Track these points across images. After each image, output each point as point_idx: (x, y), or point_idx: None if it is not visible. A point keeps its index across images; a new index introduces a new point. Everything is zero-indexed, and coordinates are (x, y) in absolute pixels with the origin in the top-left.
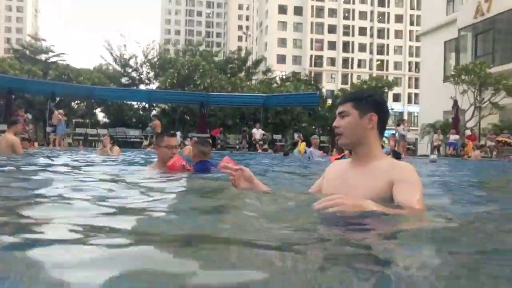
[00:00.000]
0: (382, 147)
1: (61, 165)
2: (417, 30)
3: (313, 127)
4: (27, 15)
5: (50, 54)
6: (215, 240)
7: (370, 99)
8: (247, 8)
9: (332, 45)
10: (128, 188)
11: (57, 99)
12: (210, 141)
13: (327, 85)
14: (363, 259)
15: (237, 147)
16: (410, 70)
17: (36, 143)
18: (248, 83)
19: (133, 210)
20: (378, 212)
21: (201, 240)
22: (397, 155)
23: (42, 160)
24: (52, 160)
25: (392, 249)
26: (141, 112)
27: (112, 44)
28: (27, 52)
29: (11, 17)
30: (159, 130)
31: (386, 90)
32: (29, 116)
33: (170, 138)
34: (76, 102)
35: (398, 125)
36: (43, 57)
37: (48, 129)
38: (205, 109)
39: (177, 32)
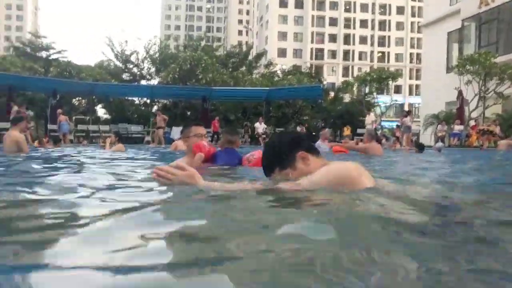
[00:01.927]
0: (387, 138)
1: (73, 162)
2: (418, 22)
3: (316, 120)
4: (27, 13)
5: (51, 51)
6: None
7: (286, 149)
8: (248, 3)
9: (333, 38)
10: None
11: (58, 96)
12: (237, 131)
13: (328, 78)
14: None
15: (240, 141)
16: (411, 61)
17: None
18: (249, 77)
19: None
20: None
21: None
22: (420, 147)
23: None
24: (63, 158)
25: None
26: (143, 108)
27: (114, 40)
28: (28, 49)
29: (11, 15)
30: (163, 124)
31: (390, 82)
32: (31, 113)
33: (197, 127)
34: (77, 98)
35: (405, 116)
36: (43, 54)
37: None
38: (207, 103)
39: (177, 28)
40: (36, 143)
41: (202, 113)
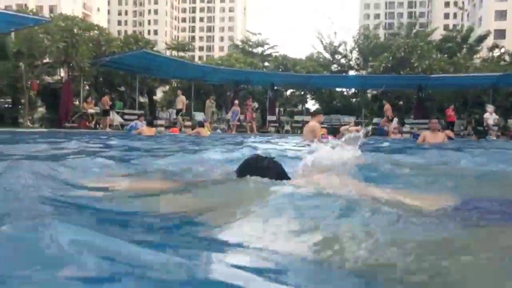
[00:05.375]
0: None
1: None
2: None
3: None
4: (237, 14)
5: (265, 46)
6: None
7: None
8: None
9: None
10: None
11: (275, 88)
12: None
13: None
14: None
15: (461, 134)
16: None
17: None
18: (471, 62)
19: None
20: None
21: None
22: None
23: None
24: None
25: None
26: (352, 99)
27: (322, 33)
28: (246, 46)
29: (224, 18)
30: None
31: None
32: (256, 105)
33: None
34: (290, 91)
35: None
36: (259, 50)
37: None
38: (423, 92)
39: (377, 16)
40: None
41: (417, 102)
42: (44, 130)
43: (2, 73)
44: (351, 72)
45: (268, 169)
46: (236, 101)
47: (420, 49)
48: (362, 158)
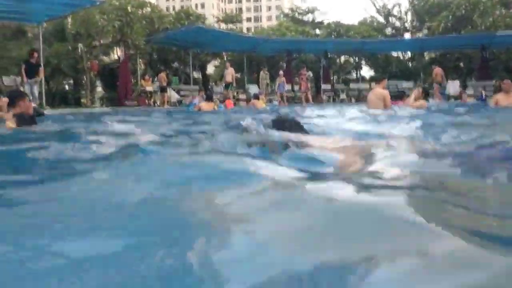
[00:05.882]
0: None
1: None
2: None
3: None
4: None
5: (316, 13)
6: None
7: None
8: None
9: None
10: None
11: (329, 55)
12: None
13: None
14: None
15: None
16: None
17: None
18: None
19: None
20: None
21: None
22: None
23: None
24: None
25: None
26: (408, 63)
27: None
28: (295, 14)
29: None
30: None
31: None
32: (310, 74)
33: None
34: (344, 58)
35: None
36: (310, 18)
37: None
38: (486, 52)
39: None
40: None
41: (481, 63)
42: (108, 108)
43: (62, 55)
44: (407, 35)
45: (290, 126)
46: (281, 72)
47: (482, 5)
48: None
